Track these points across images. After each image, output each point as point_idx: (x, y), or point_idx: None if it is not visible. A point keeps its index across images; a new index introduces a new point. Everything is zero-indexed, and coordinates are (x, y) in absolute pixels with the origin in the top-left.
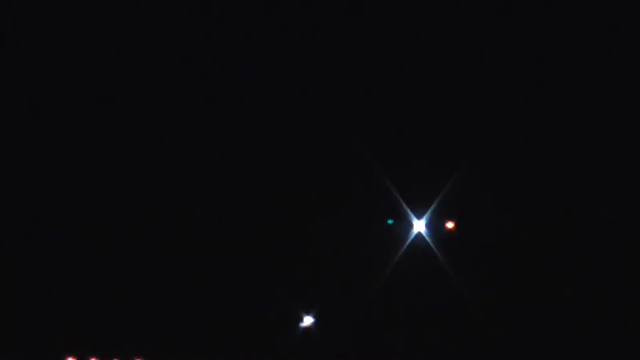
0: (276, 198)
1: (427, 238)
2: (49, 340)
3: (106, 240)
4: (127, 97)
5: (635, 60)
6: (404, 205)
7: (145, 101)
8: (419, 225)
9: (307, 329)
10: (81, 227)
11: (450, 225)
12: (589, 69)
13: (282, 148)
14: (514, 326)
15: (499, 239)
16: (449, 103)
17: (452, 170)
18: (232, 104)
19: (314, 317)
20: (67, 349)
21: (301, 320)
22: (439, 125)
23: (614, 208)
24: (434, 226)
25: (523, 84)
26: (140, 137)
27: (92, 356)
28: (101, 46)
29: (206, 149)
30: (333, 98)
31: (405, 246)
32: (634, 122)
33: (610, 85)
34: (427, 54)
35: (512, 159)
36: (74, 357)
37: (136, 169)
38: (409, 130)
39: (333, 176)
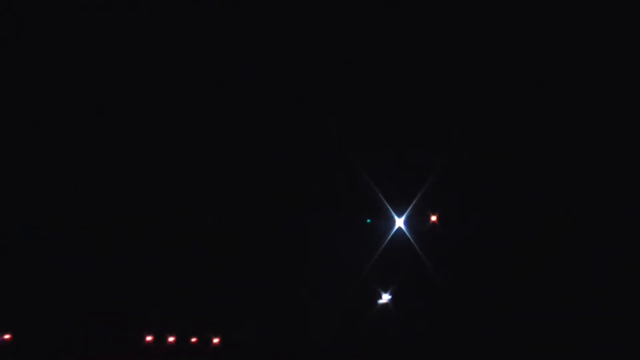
0: (268, 197)
1: (407, 233)
2: (130, 322)
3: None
4: (127, 97)
5: (636, 61)
6: (386, 204)
7: (145, 101)
8: (400, 222)
9: (385, 304)
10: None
11: (433, 218)
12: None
13: (273, 148)
14: (489, 314)
15: (473, 234)
16: (428, 106)
17: (430, 171)
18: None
19: (390, 295)
20: (146, 329)
21: (380, 297)
22: (418, 128)
23: (584, 199)
24: (413, 223)
25: (497, 84)
26: (140, 137)
27: (171, 335)
28: (101, 46)
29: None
30: (317, 100)
31: (387, 240)
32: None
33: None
34: (407, 58)
35: (489, 159)
36: (152, 336)
37: (136, 168)
38: (391, 133)
39: (318, 177)
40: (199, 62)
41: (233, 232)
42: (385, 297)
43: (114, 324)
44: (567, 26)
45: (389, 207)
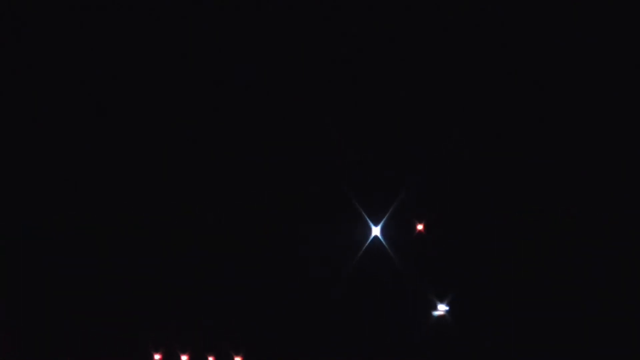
0: (268, 197)
1: (383, 242)
2: (130, 322)
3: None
4: (127, 97)
5: (636, 61)
6: (362, 211)
7: (145, 101)
8: (376, 230)
9: (440, 317)
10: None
11: (420, 227)
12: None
13: (273, 148)
14: (489, 314)
15: (473, 234)
16: (428, 106)
17: (409, 176)
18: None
19: (447, 305)
20: (155, 346)
21: (435, 309)
22: (397, 131)
23: (571, 204)
24: (390, 231)
25: (497, 84)
26: (140, 137)
27: (184, 353)
28: (101, 46)
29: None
30: (317, 100)
31: (363, 249)
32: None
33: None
34: (407, 58)
35: (489, 159)
36: (160, 353)
37: (136, 168)
38: (370, 137)
39: (293, 182)
40: (199, 62)
41: (233, 232)
42: (442, 308)
43: (114, 324)
44: (567, 26)
45: (365, 215)
